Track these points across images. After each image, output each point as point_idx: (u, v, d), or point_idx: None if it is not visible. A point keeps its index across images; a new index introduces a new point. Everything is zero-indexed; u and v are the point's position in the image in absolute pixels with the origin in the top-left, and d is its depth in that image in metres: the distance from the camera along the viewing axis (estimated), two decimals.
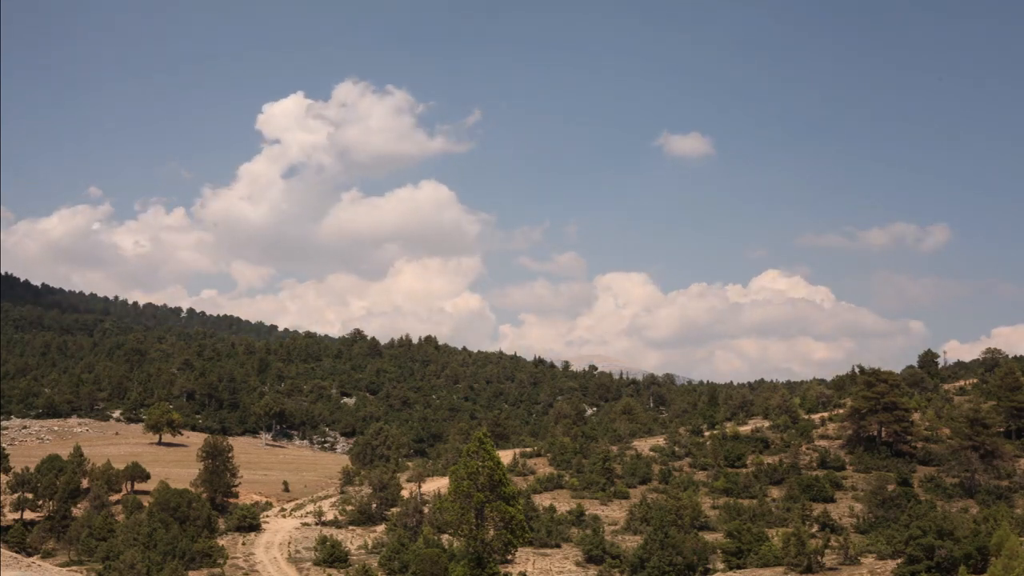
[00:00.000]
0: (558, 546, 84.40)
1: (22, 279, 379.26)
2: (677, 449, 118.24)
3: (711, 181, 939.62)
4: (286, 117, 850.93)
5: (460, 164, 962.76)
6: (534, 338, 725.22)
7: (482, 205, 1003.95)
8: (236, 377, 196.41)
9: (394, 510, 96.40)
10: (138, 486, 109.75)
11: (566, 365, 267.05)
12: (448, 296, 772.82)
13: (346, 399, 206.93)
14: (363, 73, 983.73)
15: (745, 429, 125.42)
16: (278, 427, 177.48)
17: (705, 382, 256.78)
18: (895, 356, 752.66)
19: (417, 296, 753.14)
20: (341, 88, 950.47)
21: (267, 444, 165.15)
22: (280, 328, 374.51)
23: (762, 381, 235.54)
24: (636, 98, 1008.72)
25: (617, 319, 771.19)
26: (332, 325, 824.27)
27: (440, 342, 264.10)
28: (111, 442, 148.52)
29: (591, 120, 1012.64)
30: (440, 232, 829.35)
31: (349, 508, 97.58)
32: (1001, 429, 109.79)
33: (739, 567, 75.73)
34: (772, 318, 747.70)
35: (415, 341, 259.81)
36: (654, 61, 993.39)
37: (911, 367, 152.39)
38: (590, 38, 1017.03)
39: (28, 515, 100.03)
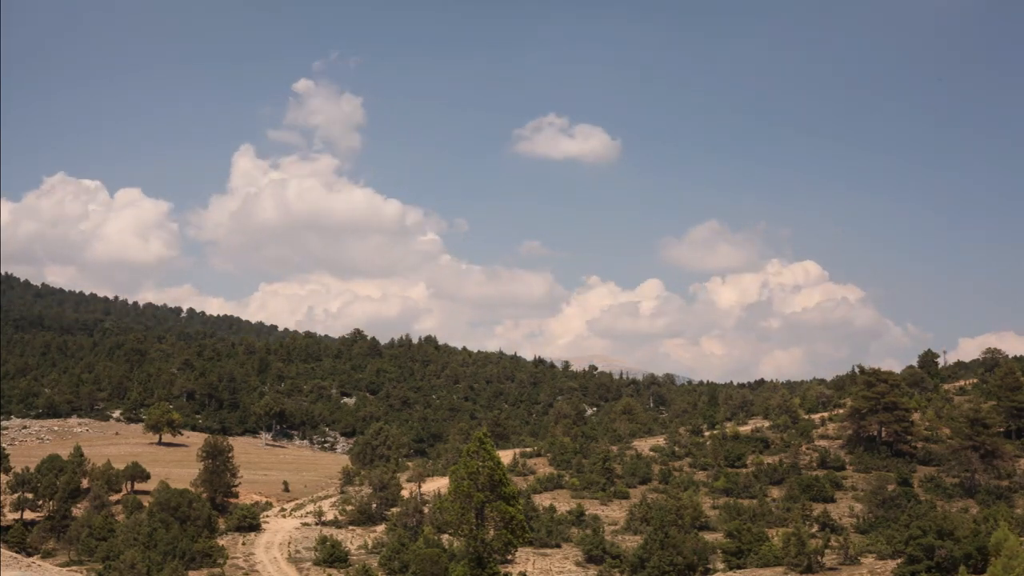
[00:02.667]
0: (558, 546, 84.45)
1: (22, 279, 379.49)
2: (677, 449, 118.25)
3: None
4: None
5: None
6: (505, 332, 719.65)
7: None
8: (236, 377, 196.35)
9: (394, 510, 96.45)
10: (138, 486, 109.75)
11: (566, 365, 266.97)
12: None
13: (346, 399, 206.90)
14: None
15: (745, 429, 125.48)
16: (278, 427, 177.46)
17: (706, 382, 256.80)
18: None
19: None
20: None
21: (267, 444, 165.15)
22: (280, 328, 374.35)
23: (762, 381, 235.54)
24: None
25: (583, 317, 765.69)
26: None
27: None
28: (111, 442, 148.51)
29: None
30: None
31: (349, 508, 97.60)
32: (1001, 429, 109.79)
33: (739, 567, 75.77)
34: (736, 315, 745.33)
35: (415, 341, 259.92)
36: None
37: (911, 367, 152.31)
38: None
39: (28, 515, 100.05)
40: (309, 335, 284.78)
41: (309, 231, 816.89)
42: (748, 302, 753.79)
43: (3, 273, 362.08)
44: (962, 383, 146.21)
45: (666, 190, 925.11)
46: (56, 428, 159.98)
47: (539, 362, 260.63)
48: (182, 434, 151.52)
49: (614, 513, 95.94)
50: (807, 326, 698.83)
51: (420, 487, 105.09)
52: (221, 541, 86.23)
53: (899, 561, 69.95)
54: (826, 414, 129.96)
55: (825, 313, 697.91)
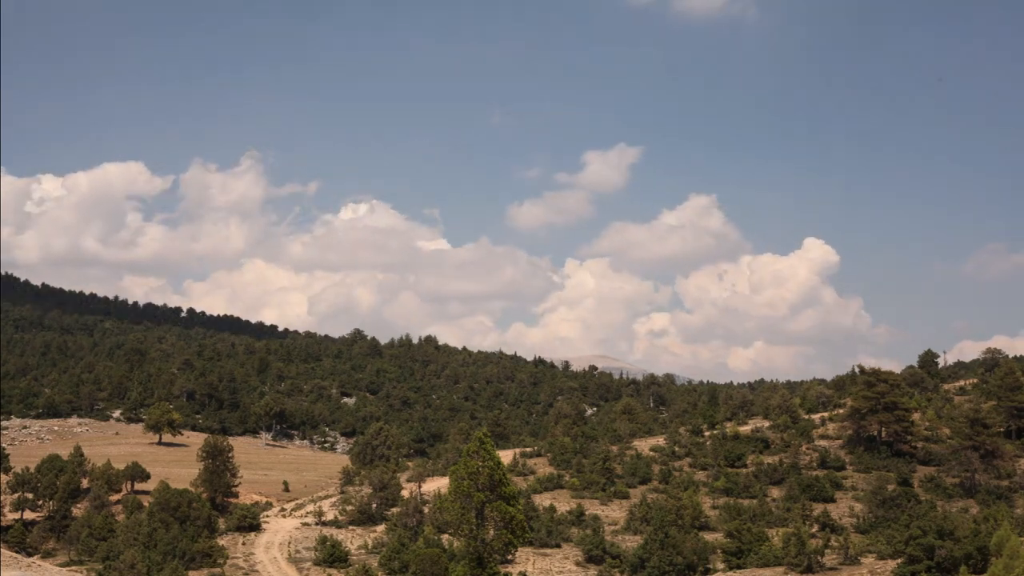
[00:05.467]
0: (558, 546, 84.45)
1: (22, 279, 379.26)
2: (677, 449, 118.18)
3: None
4: None
5: None
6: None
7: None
8: (236, 377, 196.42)
9: (394, 510, 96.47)
10: (138, 486, 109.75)
11: (566, 365, 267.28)
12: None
13: (346, 399, 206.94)
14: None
15: (745, 429, 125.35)
16: (278, 427, 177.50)
17: (707, 382, 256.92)
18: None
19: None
20: None
21: (267, 444, 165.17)
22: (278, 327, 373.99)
23: (762, 381, 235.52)
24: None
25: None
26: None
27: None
28: (111, 442, 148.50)
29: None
30: None
31: (349, 508, 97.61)
32: (1001, 429, 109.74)
33: (739, 567, 75.80)
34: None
35: (415, 341, 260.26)
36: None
37: (911, 367, 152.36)
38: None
39: (28, 515, 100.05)
40: (309, 335, 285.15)
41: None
42: (731, 294, 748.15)
43: (3, 273, 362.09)
44: (962, 383, 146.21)
45: (652, 174, 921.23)
46: (56, 428, 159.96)
47: (539, 362, 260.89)
48: (182, 434, 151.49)
49: (614, 513, 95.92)
50: (796, 323, 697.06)
51: (420, 487, 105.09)
52: (221, 541, 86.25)
53: (899, 561, 69.97)
54: (826, 414, 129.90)
55: (818, 311, 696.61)
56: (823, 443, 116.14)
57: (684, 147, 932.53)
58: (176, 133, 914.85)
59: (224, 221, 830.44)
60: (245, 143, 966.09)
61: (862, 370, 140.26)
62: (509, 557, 74.81)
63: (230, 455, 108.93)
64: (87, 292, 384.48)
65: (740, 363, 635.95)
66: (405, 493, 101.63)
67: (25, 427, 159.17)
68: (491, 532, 61.42)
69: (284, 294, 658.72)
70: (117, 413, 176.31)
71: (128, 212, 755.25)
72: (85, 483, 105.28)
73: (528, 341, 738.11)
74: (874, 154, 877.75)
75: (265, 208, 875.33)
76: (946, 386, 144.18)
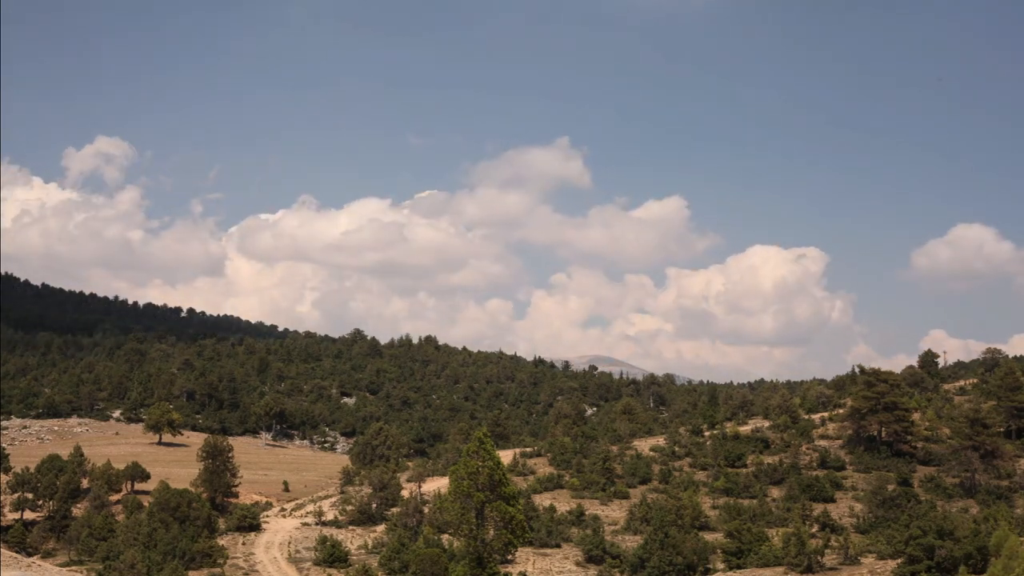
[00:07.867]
0: (558, 546, 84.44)
1: (22, 279, 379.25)
2: (677, 449, 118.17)
3: None
4: None
5: None
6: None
7: None
8: (236, 377, 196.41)
9: (394, 510, 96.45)
10: (138, 486, 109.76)
11: (566, 365, 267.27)
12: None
13: (346, 399, 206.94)
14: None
15: (745, 429, 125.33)
16: (278, 427, 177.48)
17: (706, 382, 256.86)
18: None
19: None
20: None
21: (267, 444, 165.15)
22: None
23: (762, 381, 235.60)
24: None
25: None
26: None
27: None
28: (111, 442, 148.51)
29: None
30: None
31: (349, 508, 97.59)
32: (1001, 429, 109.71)
33: (739, 567, 75.80)
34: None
35: (415, 341, 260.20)
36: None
37: (911, 367, 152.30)
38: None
39: (28, 515, 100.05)
40: (309, 335, 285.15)
41: None
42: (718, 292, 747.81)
43: (3, 273, 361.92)
44: (962, 383, 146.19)
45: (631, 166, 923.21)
46: (56, 428, 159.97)
47: (539, 362, 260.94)
48: (182, 434, 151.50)
49: (614, 513, 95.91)
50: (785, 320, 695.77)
51: (420, 487, 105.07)
52: (221, 541, 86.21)
53: (899, 561, 69.95)
54: (826, 414, 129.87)
55: (805, 309, 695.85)
56: (823, 443, 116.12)
57: (668, 144, 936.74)
58: (168, 128, 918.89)
59: (210, 216, 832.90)
60: (240, 141, 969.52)
61: (862, 370, 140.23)
62: (509, 557, 74.82)
63: (230, 455, 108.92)
64: (87, 292, 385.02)
65: (725, 361, 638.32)
66: (405, 493, 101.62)
67: (25, 427, 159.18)
68: (491, 532, 61.47)
69: (272, 289, 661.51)
70: (117, 413, 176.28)
71: (112, 206, 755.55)
72: (85, 483, 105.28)
73: (517, 334, 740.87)
74: (857, 150, 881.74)
75: (255, 203, 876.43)
76: (946, 386, 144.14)
